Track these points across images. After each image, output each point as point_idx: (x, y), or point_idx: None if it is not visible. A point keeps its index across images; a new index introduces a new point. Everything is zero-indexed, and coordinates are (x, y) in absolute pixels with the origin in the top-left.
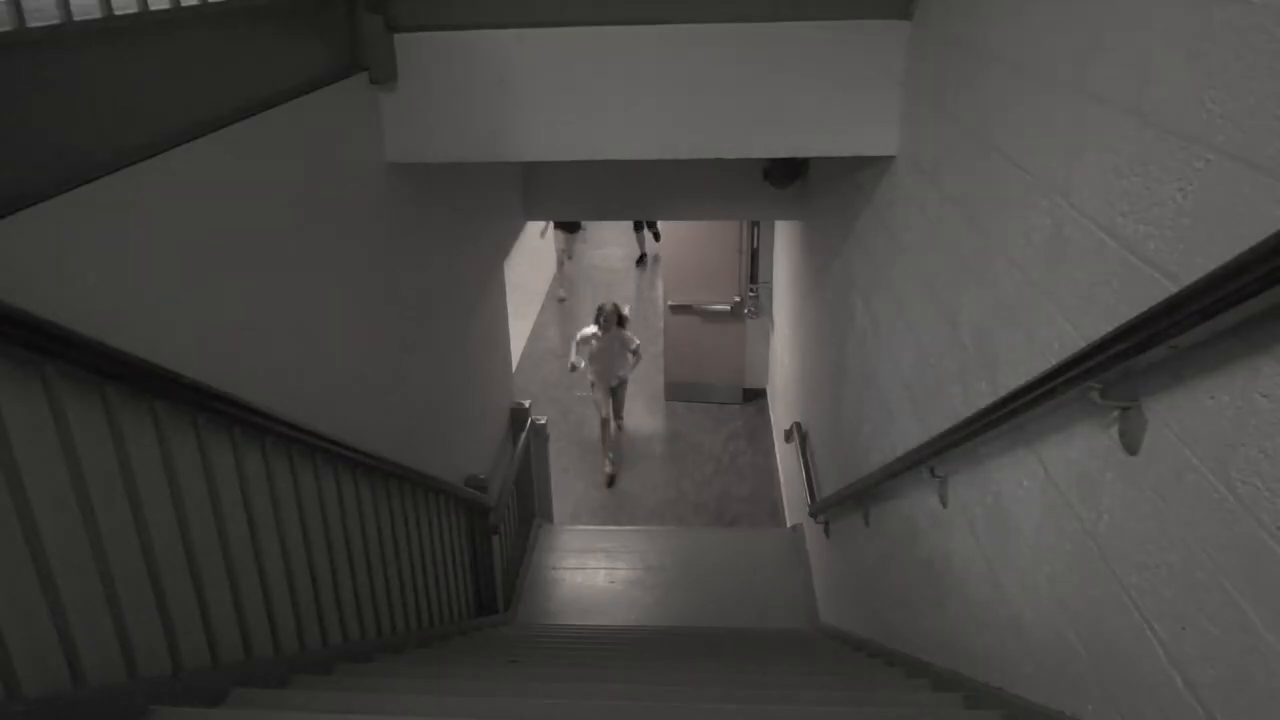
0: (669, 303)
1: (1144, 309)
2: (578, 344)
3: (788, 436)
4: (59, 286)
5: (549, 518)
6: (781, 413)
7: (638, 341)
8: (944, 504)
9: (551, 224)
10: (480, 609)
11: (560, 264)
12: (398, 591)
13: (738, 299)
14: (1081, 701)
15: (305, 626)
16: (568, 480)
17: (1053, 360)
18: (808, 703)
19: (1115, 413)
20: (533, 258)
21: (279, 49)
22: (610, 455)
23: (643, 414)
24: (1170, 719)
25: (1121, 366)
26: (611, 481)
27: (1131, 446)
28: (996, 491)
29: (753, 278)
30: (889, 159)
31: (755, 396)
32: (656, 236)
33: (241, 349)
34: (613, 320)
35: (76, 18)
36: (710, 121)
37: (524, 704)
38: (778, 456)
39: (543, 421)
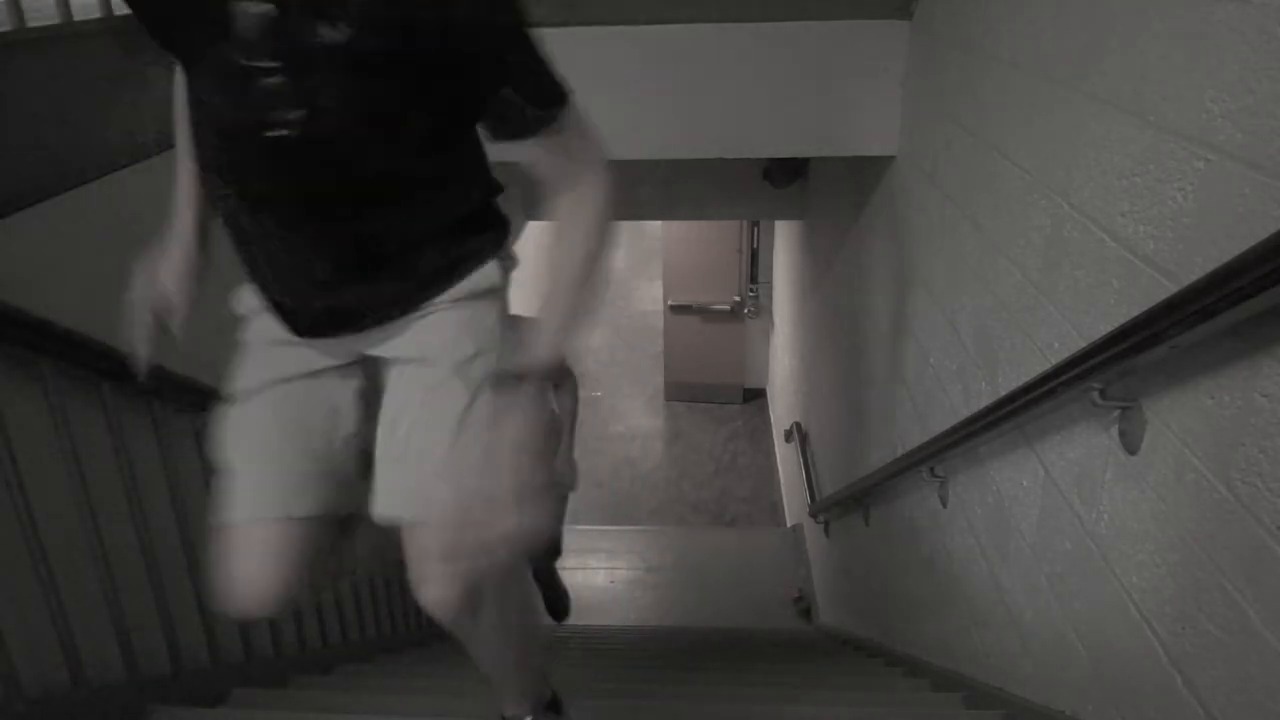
0: (669, 303)
1: (1144, 309)
2: None
3: (788, 436)
4: (58, 285)
5: None
6: (781, 413)
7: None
8: (944, 504)
9: None
10: None
11: None
12: (397, 591)
13: (738, 299)
14: (1081, 701)
15: (305, 626)
16: None
17: (1053, 360)
18: (807, 703)
19: (1115, 413)
20: (533, 257)
21: None
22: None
23: (643, 414)
24: (1170, 719)
25: (1121, 366)
26: None
27: (1131, 446)
28: (996, 491)
29: (753, 278)
30: (889, 159)
31: (755, 396)
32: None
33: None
34: None
35: (76, 18)
36: (710, 121)
37: None
38: (778, 456)
39: None
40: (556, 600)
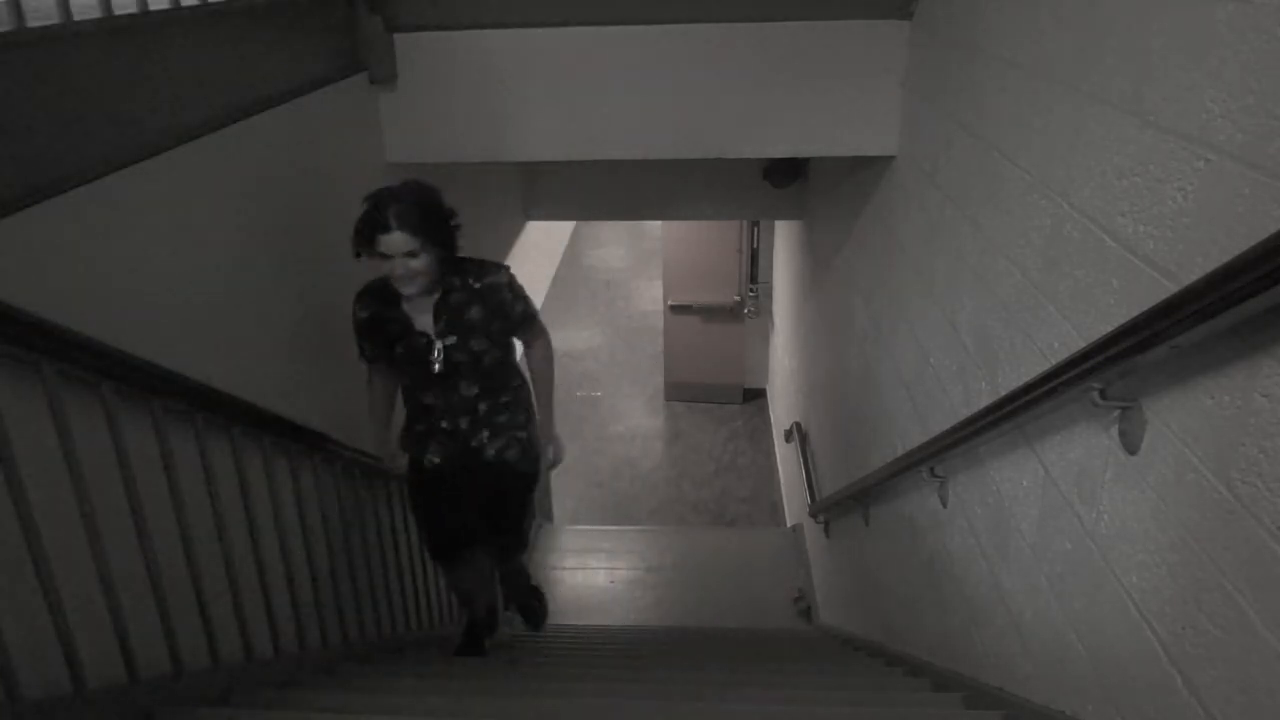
0: (669, 303)
1: (1144, 309)
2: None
3: (788, 436)
4: (58, 285)
5: (549, 518)
6: (781, 413)
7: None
8: (944, 504)
9: None
10: None
11: None
12: (397, 591)
13: (738, 299)
14: (1081, 701)
15: (305, 626)
16: (567, 480)
17: (1053, 360)
18: (807, 703)
19: (1115, 413)
20: (532, 257)
21: (278, 49)
22: None
23: (643, 414)
24: (1170, 719)
25: (1121, 366)
26: None
27: (1131, 446)
28: (996, 491)
29: (753, 278)
30: (889, 159)
31: (755, 396)
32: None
33: (240, 349)
34: None
35: (76, 17)
36: (710, 121)
37: (523, 704)
38: (778, 456)
39: None
40: (529, 606)
